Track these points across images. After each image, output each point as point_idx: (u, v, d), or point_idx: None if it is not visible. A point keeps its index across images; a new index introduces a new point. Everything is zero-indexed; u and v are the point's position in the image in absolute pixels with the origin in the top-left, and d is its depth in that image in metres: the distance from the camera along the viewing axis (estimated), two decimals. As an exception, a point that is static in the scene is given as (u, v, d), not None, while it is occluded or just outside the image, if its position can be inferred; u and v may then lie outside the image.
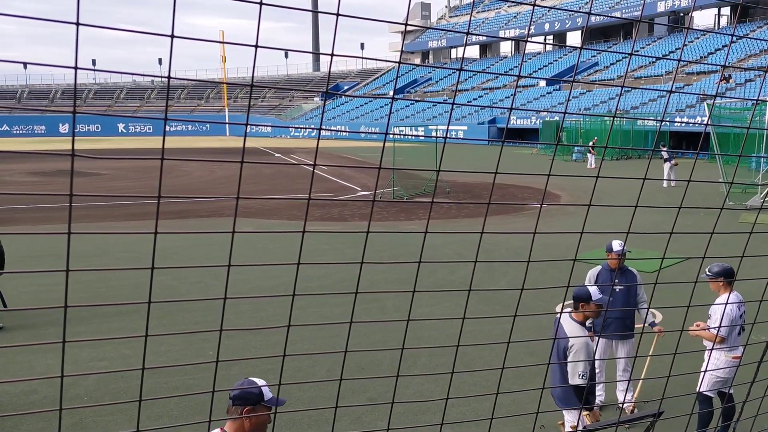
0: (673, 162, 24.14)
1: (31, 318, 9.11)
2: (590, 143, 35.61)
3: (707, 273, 5.64)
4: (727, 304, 5.28)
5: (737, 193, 20.49)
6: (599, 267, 6.52)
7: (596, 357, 6.42)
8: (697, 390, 5.38)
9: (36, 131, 76.95)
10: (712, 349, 5.39)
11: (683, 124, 41.06)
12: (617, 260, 6.17)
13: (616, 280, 6.28)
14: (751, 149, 25.03)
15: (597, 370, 6.44)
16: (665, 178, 23.98)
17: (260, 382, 3.07)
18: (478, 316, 5.72)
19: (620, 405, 6.29)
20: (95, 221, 17.08)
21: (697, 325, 5.67)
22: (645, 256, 11.23)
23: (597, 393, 6.49)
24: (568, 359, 4.65)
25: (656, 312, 9.10)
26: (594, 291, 4.79)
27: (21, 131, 76.39)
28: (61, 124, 76.95)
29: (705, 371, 4.97)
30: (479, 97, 66.59)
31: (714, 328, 5.39)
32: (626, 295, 6.29)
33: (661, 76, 52.38)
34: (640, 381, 6.56)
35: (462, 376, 6.95)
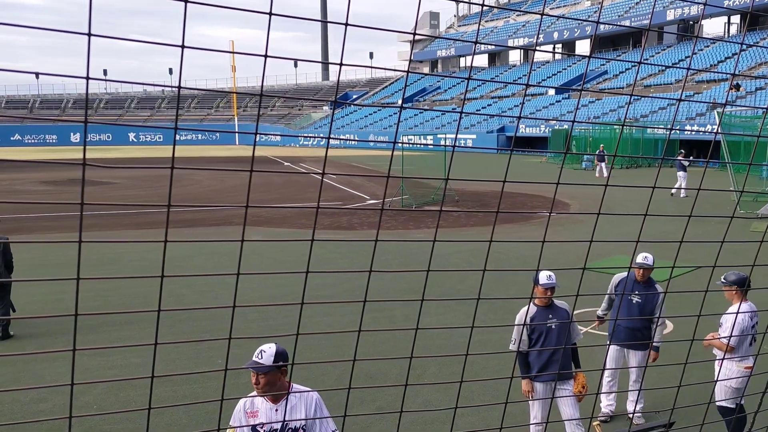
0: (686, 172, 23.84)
1: (41, 326, 9.15)
2: (597, 152, 35.40)
3: (723, 280, 5.62)
4: (738, 313, 5.25)
5: (748, 202, 20.36)
6: (625, 274, 6.50)
7: (607, 365, 6.41)
8: (718, 403, 5.35)
9: (48, 140, 77.62)
10: (722, 359, 5.34)
11: (693, 133, 40.89)
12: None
13: (636, 291, 6.27)
14: (761, 157, 24.88)
15: (609, 379, 6.41)
16: (677, 186, 23.63)
17: (259, 350, 3.69)
18: (488, 325, 5.68)
19: (630, 416, 6.26)
20: (106, 230, 17.17)
21: (712, 337, 5.62)
22: (656, 265, 11.16)
23: (607, 402, 6.45)
24: None
25: (668, 322, 9.06)
26: (542, 276, 5.25)
27: (33, 140, 77.06)
28: (72, 134, 77.58)
29: (717, 380, 4.93)
30: (488, 105, 66.62)
31: (725, 337, 5.35)
32: (641, 307, 6.24)
33: (671, 84, 52.24)
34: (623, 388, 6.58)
35: (471, 385, 6.92)
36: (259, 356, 3.59)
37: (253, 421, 3.55)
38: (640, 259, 6.21)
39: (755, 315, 5.50)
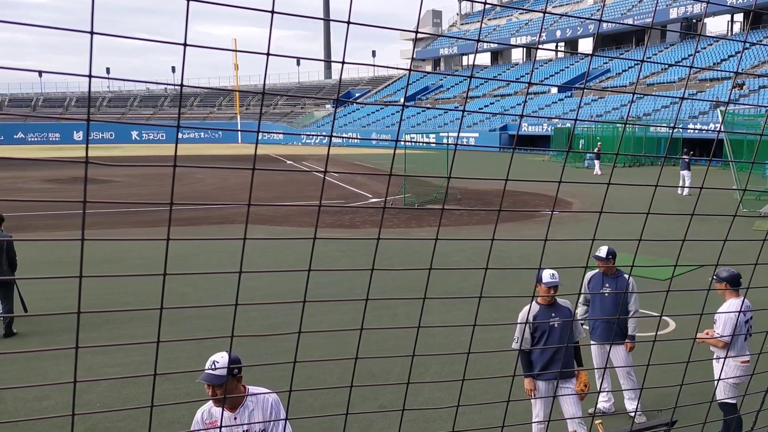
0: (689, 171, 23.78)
1: (44, 324, 9.17)
2: (595, 149, 35.69)
3: (714, 277, 5.67)
4: (735, 312, 5.30)
5: (751, 201, 20.32)
6: (596, 270, 6.59)
7: (593, 362, 6.45)
8: (719, 400, 5.40)
9: (51, 139, 77.71)
10: (725, 358, 5.36)
11: (696, 131, 40.81)
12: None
13: (606, 285, 6.33)
14: (764, 156, 24.83)
15: (598, 377, 6.43)
16: (682, 185, 23.51)
17: (211, 361, 3.44)
18: (490, 323, 5.69)
19: (630, 414, 6.26)
20: (108, 228, 17.20)
21: (707, 334, 5.66)
22: (658, 264, 11.16)
23: (602, 400, 6.46)
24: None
25: (670, 321, 9.06)
26: (545, 275, 5.22)
27: (36, 139, 77.16)
28: (75, 132, 77.64)
29: (720, 379, 4.94)
30: (490, 104, 66.55)
31: (723, 337, 5.42)
32: (614, 299, 6.28)
33: (674, 82, 52.13)
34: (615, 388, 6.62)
35: (473, 383, 6.92)
36: (212, 368, 3.44)
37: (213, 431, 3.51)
38: (597, 252, 6.31)
39: (749, 311, 5.54)
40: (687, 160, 23.59)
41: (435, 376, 7.26)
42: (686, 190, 23.64)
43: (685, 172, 23.88)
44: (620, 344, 6.35)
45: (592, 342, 6.52)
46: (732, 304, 5.61)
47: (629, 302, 6.31)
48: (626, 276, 6.35)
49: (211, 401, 3.52)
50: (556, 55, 73.38)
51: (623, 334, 6.32)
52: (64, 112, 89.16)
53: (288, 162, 43.91)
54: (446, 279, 11.44)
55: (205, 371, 3.42)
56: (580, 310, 6.67)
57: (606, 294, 6.31)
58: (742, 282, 5.67)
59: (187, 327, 8.94)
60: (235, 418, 3.48)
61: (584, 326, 6.75)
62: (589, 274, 6.62)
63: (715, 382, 5.57)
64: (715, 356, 5.70)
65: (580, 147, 41.80)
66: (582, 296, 6.66)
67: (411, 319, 9.39)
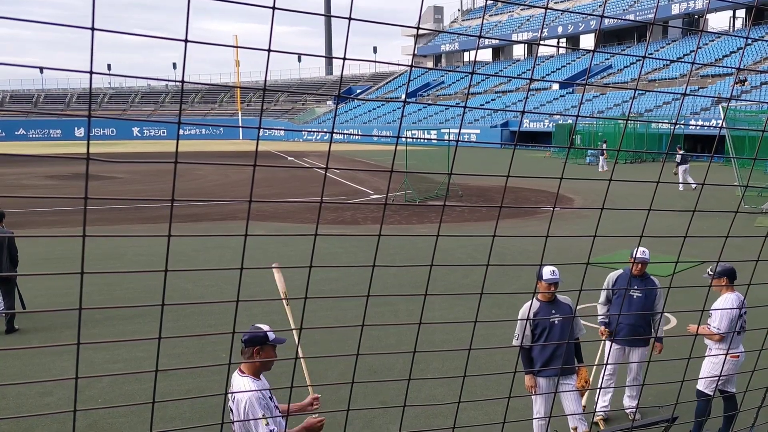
0: (687, 165, 23.89)
1: (46, 320, 9.19)
2: (601, 145, 35.80)
3: (709, 273, 5.69)
4: (729, 307, 5.35)
5: (753, 197, 20.30)
6: (620, 270, 6.46)
7: (608, 362, 6.40)
8: (698, 388, 5.53)
9: (52, 135, 77.76)
10: (726, 355, 5.40)
11: (698, 127, 40.72)
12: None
13: (635, 287, 6.23)
14: (766, 152, 24.78)
15: (609, 379, 6.40)
16: (680, 181, 23.69)
17: (265, 327, 3.70)
18: (491, 319, 5.72)
19: (627, 411, 6.28)
20: (110, 224, 17.21)
21: (703, 328, 5.71)
22: (660, 260, 11.16)
23: (602, 403, 6.45)
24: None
25: (672, 317, 9.06)
26: (546, 271, 5.25)
27: (37, 135, 77.20)
28: (76, 128, 77.70)
29: (720, 373, 4.97)
30: (492, 100, 66.47)
31: (720, 330, 5.50)
32: (642, 302, 6.21)
33: (676, 78, 52.03)
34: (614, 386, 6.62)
35: (474, 379, 6.93)
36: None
37: (274, 401, 3.74)
38: (639, 254, 6.15)
39: (743, 305, 5.57)
40: (680, 155, 23.81)
41: (436, 372, 7.27)
42: (681, 186, 23.74)
43: (679, 168, 24.10)
44: (640, 347, 6.27)
45: (611, 340, 6.44)
46: (728, 298, 5.64)
47: (657, 305, 6.23)
48: (654, 279, 6.28)
49: (249, 384, 3.65)
50: (558, 51, 73.24)
51: (645, 335, 6.26)
52: (65, 108, 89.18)
53: (289, 158, 43.91)
54: (447, 275, 11.44)
55: (276, 336, 3.72)
56: (602, 310, 6.51)
57: (635, 296, 6.21)
58: (736, 276, 5.71)
59: (189, 323, 8.95)
60: (265, 383, 3.79)
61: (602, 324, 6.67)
62: (614, 273, 6.46)
63: (701, 371, 5.70)
64: (707, 351, 5.77)
65: (578, 143, 41.85)
66: (604, 296, 6.53)
67: (412, 316, 9.40)
